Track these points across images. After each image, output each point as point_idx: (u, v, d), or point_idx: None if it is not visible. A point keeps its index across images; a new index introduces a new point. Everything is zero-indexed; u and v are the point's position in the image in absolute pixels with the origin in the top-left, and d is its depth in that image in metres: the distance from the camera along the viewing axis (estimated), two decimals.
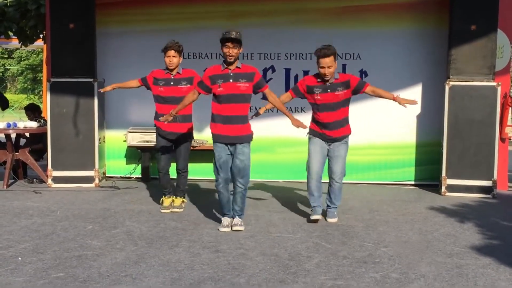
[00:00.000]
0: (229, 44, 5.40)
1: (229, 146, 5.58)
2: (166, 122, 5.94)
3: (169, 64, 6.32)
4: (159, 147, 6.51)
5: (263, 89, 5.62)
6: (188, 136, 6.53)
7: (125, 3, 8.69)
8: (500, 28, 7.69)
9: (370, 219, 6.19)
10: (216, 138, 5.63)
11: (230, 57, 5.43)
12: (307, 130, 5.98)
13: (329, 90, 5.82)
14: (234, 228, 5.61)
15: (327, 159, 6.07)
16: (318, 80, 5.86)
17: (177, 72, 6.40)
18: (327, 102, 5.85)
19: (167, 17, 8.64)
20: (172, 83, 6.37)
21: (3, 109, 9.62)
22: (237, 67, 5.52)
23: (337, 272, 4.39)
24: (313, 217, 5.94)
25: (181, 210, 6.50)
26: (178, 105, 5.84)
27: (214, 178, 5.70)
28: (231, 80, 5.48)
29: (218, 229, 5.62)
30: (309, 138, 6.08)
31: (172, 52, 6.30)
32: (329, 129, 5.92)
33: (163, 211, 6.46)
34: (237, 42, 5.41)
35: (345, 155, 6.04)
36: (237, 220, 5.69)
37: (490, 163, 7.59)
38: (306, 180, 6.04)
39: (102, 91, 6.84)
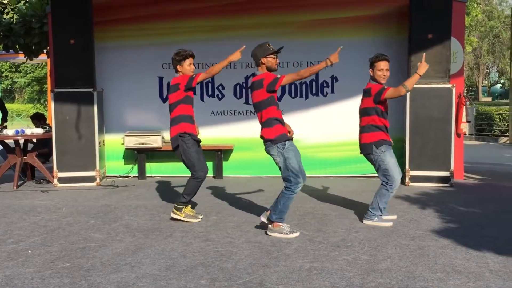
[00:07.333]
0: (275, 55, 5.15)
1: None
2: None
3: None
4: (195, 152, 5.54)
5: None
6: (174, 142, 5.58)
7: (120, 20, 8.64)
8: (453, 36, 7.78)
9: (343, 208, 6.22)
10: (288, 137, 5.04)
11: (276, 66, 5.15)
12: (376, 144, 5.35)
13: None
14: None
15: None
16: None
17: None
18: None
19: (159, 32, 8.63)
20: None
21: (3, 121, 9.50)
22: None
23: (314, 255, 4.41)
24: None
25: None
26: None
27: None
28: None
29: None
30: (385, 151, 5.37)
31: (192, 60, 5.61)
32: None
33: (198, 219, 5.63)
34: None
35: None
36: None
37: (447, 155, 7.66)
38: None
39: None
